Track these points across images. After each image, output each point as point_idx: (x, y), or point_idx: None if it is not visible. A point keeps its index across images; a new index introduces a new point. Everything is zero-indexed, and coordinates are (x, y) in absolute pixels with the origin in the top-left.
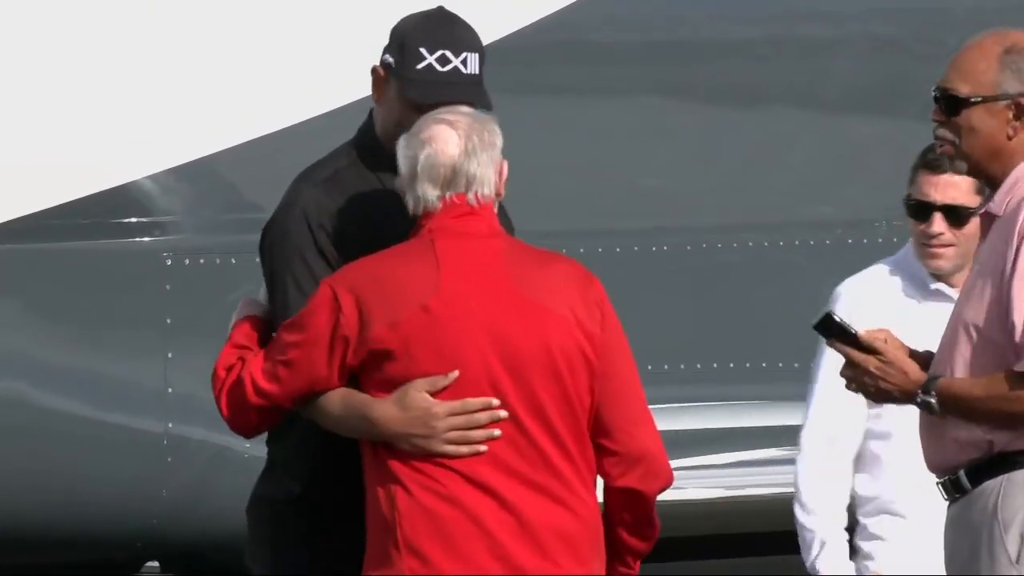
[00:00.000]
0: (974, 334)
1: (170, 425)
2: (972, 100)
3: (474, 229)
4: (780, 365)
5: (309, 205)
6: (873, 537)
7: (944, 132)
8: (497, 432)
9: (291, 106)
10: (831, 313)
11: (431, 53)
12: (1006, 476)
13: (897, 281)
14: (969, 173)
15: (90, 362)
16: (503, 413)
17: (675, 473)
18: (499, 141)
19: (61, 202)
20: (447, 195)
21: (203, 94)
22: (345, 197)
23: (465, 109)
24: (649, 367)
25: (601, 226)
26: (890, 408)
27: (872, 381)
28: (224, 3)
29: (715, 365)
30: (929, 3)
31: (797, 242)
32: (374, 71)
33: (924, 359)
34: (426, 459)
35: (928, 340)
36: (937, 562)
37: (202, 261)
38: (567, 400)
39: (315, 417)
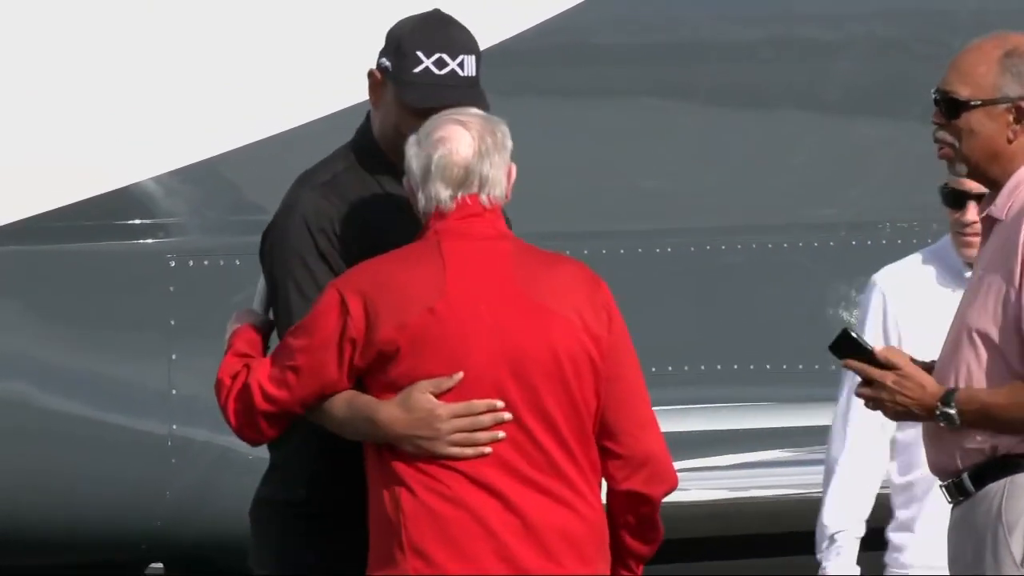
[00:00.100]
0: (979, 341)
1: (174, 427)
2: (972, 103)
3: (480, 231)
4: (784, 367)
5: (308, 209)
6: (903, 528)
7: (944, 135)
8: (501, 434)
9: (295, 108)
10: (847, 330)
11: (428, 56)
12: (1009, 479)
13: (932, 270)
14: (969, 176)
15: (94, 364)
16: (507, 415)
17: (679, 475)
18: (510, 144)
19: (64, 204)
20: (459, 195)
21: (207, 96)
22: (344, 201)
23: (475, 111)
24: (652, 369)
25: (604, 228)
26: None
27: (890, 396)
28: (227, 4)
29: (718, 367)
30: (932, 5)
31: (800, 243)
32: (371, 75)
33: (932, 368)
34: (430, 460)
35: None
36: None
37: (206, 263)
38: (572, 403)
39: (320, 420)
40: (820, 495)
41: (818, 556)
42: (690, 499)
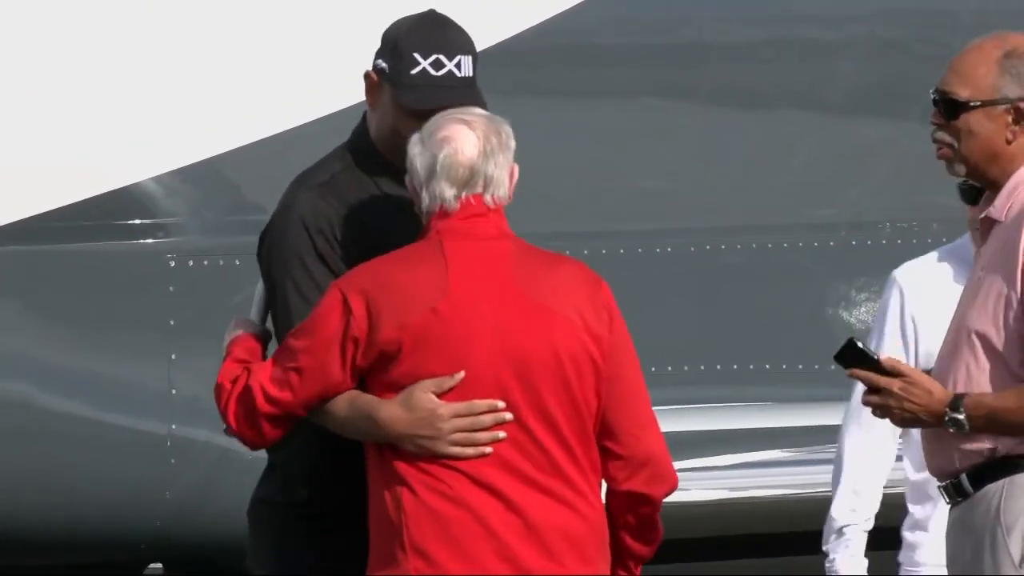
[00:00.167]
0: (978, 343)
1: (174, 427)
2: (971, 104)
3: (482, 231)
4: (783, 367)
5: (306, 210)
6: (918, 527)
7: (943, 135)
8: (502, 434)
9: (295, 108)
10: (852, 340)
11: (425, 57)
12: (1008, 479)
13: (949, 268)
14: (968, 176)
15: (94, 364)
16: (508, 415)
17: (678, 475)
18: (513, 144)
19: (64, 204)
20: (463, 195)
21: (207, 96)
22: (342, 201)
23: (479, 110)
24: (652, 368)
25: (604, 228)
26: None
27: (897, 403)
28: (227, 4)
29: (718, 367)
30: (933, 5)
31: (800, 244)
32: (367, 76)
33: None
34: (432, 460)
35: None
36: None
37: (206, 263)
38: (573, 403)
39: (322, 420)
40: (820, 495)
41: (825, 548)
42: (690, 499)
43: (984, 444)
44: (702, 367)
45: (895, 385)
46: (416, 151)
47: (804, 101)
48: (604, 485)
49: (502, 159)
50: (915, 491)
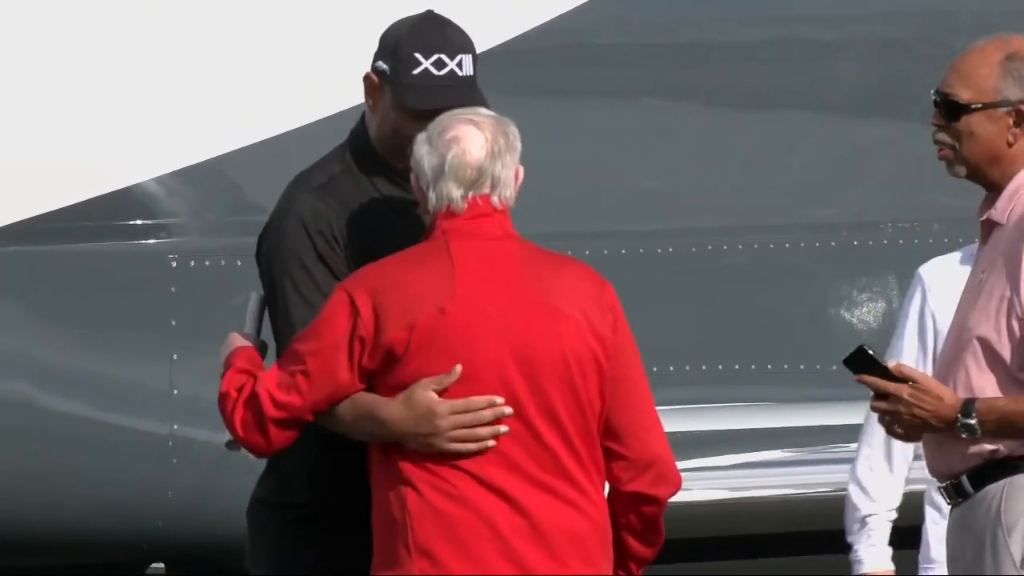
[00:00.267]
0: (979, 347)
1: (175, 427)
2: (972, 106)
3: (487, 231)
4: (785, 367)
5: (305, 211)
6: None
7: (943, 136)
8: (504, 428)
9: (296, 108)
10: (863, 347)
11: (427, 58)
12: (1008, 480)
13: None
14: (969, 178)
15: (95, 364)
16: (508, 410)
17: (681, 474)
18: (519, 145)
19: (66, 204)
20: (470, 195)
21: (208, 96)
22: (341, 203)
23: (485, 111)
24: (654, 369)
25: (606, 228)
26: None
27: (907, 410)
28: (228, 5)
29: (720, 367)
30: (934, 6)
31: (801, 244)
32: (367, 78)
33: None
34: (437, 460)
35: None
36: None
37: (207, 263)
38: (579, 403)
39: (326, 422)
40: (822, 495)
41: (848, 539)
42: (691, 499)
43: (985, 446)
44: (703, 367)
45: (904, 391)
46: (423, 151)
47: (805, 101)
48: (607, 486)
49: (509, 160)
50: (932, 487)
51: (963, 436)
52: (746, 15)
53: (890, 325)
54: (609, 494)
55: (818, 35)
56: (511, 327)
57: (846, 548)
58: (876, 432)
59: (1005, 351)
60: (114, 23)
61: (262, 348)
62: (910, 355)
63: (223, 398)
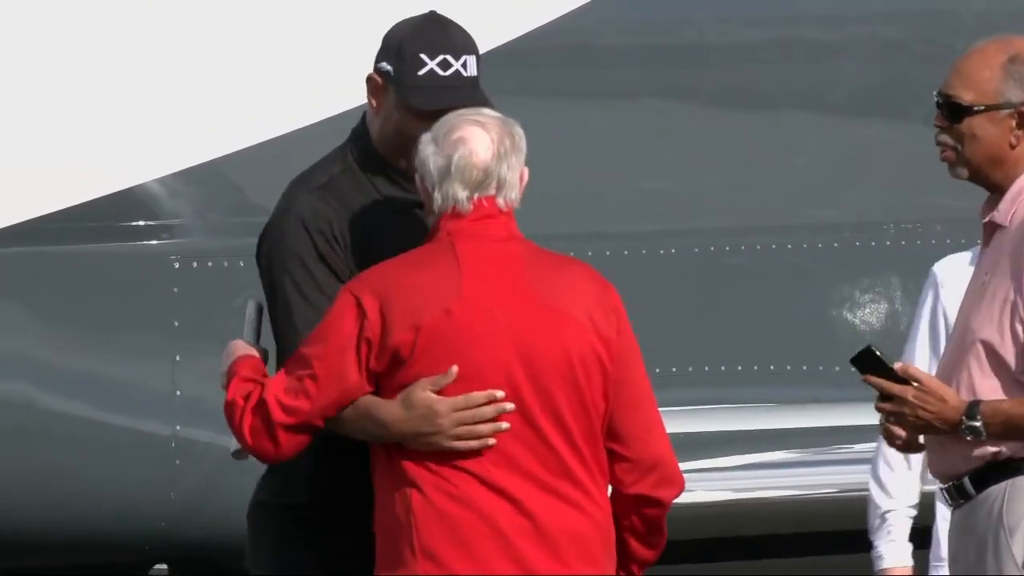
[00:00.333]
0: (982, 350)
1: (178, 428)
2: (975, 108)
3: (493, 232)
4: (788, 368)
5: (306, 211)
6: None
7: (946, 138)
8: (505, 425)
9: (299, 109)
10: (870, 347)
11: (432, 58)
12: (1010, 481)
13: None
14: (971, 179)
15: (98, 365)
16: (509, 405)
17: (684, 475)
18: (525, 146)
19: (68, 205)
20: (476, 197)
21: (211, 96)
22: (341, 203)
23: (491, 112)
24: (656, 369)
25: (607, 229)
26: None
27: (911, 411)
28: (229, 5)
29: (722, 368)
30: (936, 6)
31: (804, 244)
32: (370, 79)
33: None
34: (441, 462)
35: None
36: None
37: (210, 264)
38: (583, 404)
39: (331, 425)
40: (824, 496)
41: (870, 537)
42: (694, 500)
43: (987, 447)
44: (705, 368)
45: (909, 393)
46: (429, 151)
47: (807, 102)
48: (609, 488)
49: (515, 161)
50: None
51: (967, 438)
52: (748, 16)
53: (892, 326)
54: (611, 496)
55: (820, 36)
56: (516, 328)
57: (849, 548)
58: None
59: (1009, 354)
60: (115, 24)
61: (264, 355)
62: (922, 353)
63: (230, 407)
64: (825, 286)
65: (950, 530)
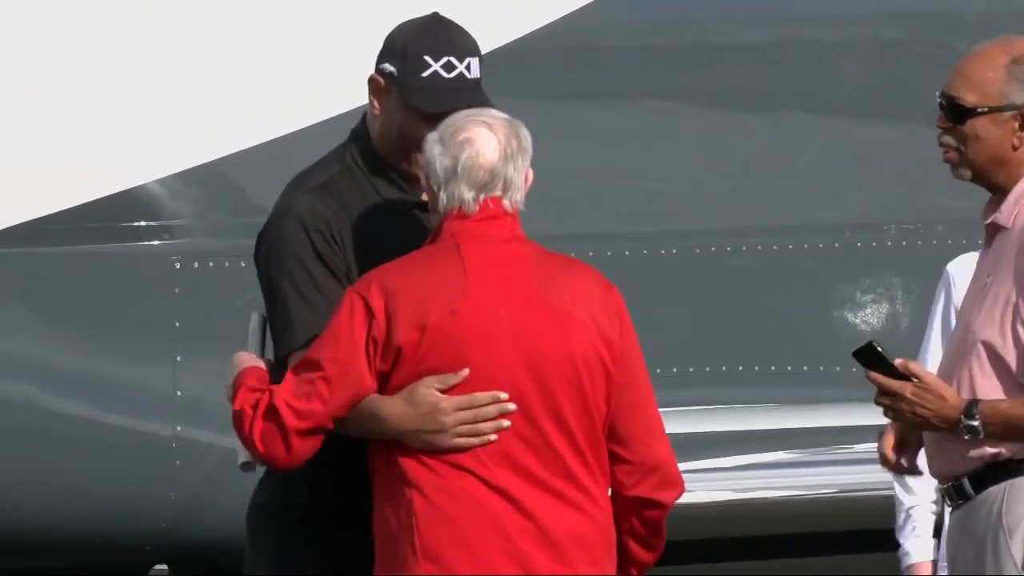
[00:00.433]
0: (983, 351)
1: (179, 428)
2: (978, 110)
3: (497, 233)
4: (789, 368)
5: (304, 211)
6: None
7: (949, 139)
8: (506, 423)
9: (300, 110)
10: (872, 343)
11: (436, 60)
12: (1009, 482)
13: None
14: (974, 180)
15: (99, 366)
16: (511, 406)
17: (684, 476)
18: (531, 148)
19: (69, 206)
20: (482, 198)
21: (212, 97)
22: (340, 203)
23: (497, 112)
24: (658, 370)
25: (609, 229)
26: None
27: (909, 408)
28: (231, 6)
29: (724, 368)
30: (938, 7)
31: (805, 245)
32: (372, 80)
33: None
34: (443, 462)
35: None
36: None
37: (211, 264)
38: (586, 406)
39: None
40: (826, 496)
41: (896, 535)
42: (695, 500)
43: (986, 448)
44: (707, 368)
45: (907, 389)
46: (436, 151)
47: (808, 103)
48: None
49: (521, 163)
50: None
51: (965, 437)
52: (749, 16)
53: (893, 326)
54: (611, 498)
55: (821, 36)
56: (521, 329)
57: (849, 548)
58: None
59: (1010, 356)
60: (116, 24)
61: (269, 367)
62: (935, 353)
63: (239, 416)
64: (826, 287)
65: (949, 530)
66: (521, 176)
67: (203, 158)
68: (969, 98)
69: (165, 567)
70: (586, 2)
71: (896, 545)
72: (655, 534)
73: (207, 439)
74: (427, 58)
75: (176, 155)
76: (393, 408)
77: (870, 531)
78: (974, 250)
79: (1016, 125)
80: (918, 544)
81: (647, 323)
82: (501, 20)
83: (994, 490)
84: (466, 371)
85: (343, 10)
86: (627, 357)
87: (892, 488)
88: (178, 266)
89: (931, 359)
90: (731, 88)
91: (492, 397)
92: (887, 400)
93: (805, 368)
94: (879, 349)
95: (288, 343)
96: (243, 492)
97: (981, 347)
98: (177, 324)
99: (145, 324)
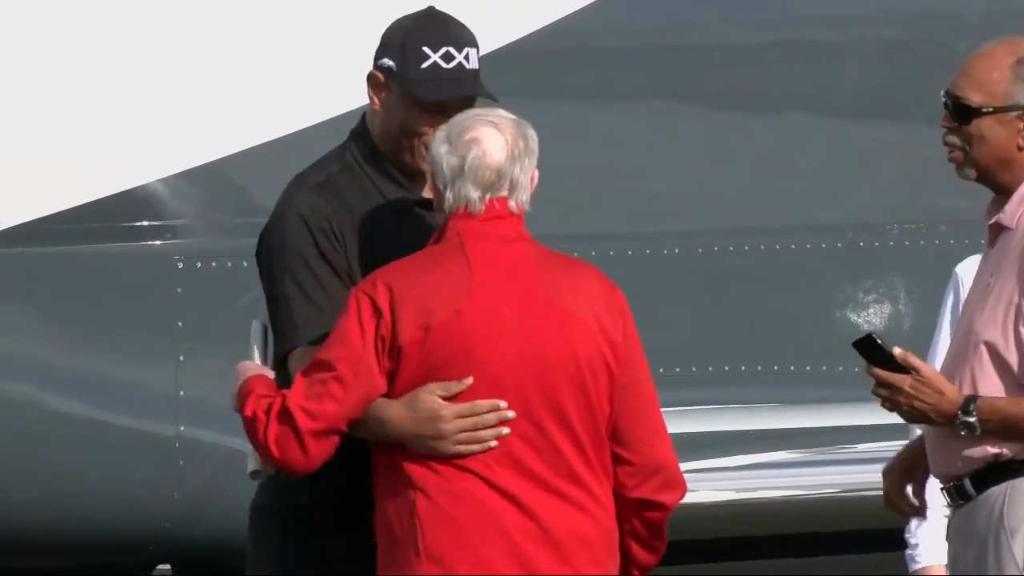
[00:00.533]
0: (985, 352)
1: (182, 428)
2: (984, 110)
3: (502, 233)
4: (791, 368)
5: (306, 209)
6: None
7: (953, 139)
8: (506, 430)
9: (302, 109)
10: (871, 335)
11: (435, 51)
12: (1011, 483)
13: None
14: (978, 180)
15: (102, 365)
16: (511, 414)
17: (687, 476)
18: (537, 149)
19: (72, 206)
20: (488, 198)
21: (215, 97)
22: (340, 201)
23: (505, 112)
24: (660, 370)
25: (611, 230)
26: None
27: (907, 400)
28: (232, 6)
29: (726, 368)
30: (939, 8)
31: (808, 245)
32: (371, 77)
33: None
34: (445, 463)
35: None
36: None
37: (214, 264)
38: (589, 406)
39: None
40: (828, 496)
41: (905, 536)
42: (698, 500)
43: (988, 448)
44: (710, 368)
45: (906, 383)
46: (443, 150)
47: (810, 104)
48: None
49: (527, 163)
50: None
51: (962, 433)
52: (750, 17)
53: (896, 326)
54: (614, 500)
55: (823, 37)
56: (525, 329)
57: (852, 548)
58: (919, 429)
59: (1012, 357)
60: (117, 24)
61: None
62: (944, 353)
63: (251, 422)
64: (829, 287)
65: (949, 532)
66: (527, 176)
67: (205, 158)
68: (974, 98)
69: (168, 567)
70: (587, 3)
71: (901, 545)
72: (657, 536)
73: (210, 439)
74: (425, 50)
75: (178, 155)
76: (395, 413)
77: (873, 531)
78: (977, 250)
79: (1021, 125)
80: (929, 547)
81: (649, 323)
82: (501, 20)
83: (995, 490)
84: (470, 379)
85: (343, 10)
86: (630, 357)
87: None
88: (181, 266)
89: (939, 360)
90: (733, 89)
91: (492, 405)
92: (885, 392)
93: (808, 368)
94: (879, 341)
95: (289, 340)
96: (246, 492)
97: (983, 347)
98: (180, 324)
99: (148, 324)
